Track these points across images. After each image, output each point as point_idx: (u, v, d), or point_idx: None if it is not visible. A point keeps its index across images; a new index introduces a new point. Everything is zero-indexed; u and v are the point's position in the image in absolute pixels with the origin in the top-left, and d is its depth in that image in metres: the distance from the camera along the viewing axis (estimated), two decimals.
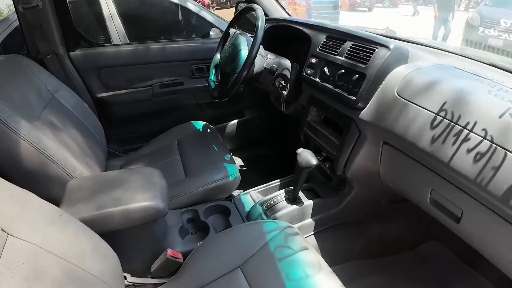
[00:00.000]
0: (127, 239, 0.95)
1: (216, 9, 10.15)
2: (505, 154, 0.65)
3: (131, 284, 0.94)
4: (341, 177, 1.17)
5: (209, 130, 1.59)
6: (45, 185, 0.98)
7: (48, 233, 0.65)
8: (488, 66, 1.01)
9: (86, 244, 0.73)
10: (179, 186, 1.25)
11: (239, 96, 1.89)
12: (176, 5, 2.93)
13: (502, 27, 4.62)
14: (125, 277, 0.96)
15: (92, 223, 0.79)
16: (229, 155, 1.39)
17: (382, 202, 1.28)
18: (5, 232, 0.57)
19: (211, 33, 2.19)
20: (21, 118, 0.93)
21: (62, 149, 1.02)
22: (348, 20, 6.34)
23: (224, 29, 1.51)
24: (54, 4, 1.38)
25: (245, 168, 1.89)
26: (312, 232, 1.20)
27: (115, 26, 2.62)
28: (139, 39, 2.65)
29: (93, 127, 1.34)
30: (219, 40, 1.47)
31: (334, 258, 1.16)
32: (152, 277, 0.99)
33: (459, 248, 1.31)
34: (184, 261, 0.95)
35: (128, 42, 2.45)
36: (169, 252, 0.95)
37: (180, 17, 2.98)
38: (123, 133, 1.76)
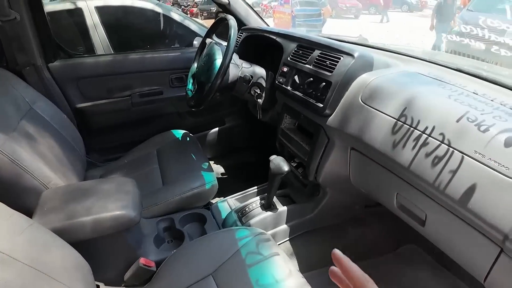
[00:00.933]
0: (100, 248, 0.95)
1: (205, 18, 10.25)
2: (462, 158, 0.67)
3: None
4: (314, 183, 1.19)
5: (188, 139, 1.60)
6: (19, 195, 0.98)
7: (16, 243, 0.65)
8: (455, 71, 1.04)
9: (56, 254, 0.73)
10: (156, 194, 1.25)
11: (219, 104, 1.91)
12: (160, 14, 2.95)
13: (483, 32, 4.71)
14: (98, 286, 0.95)
15: (63, 233, 0.79)
16: (206, 163, 1.40)
17: (357, 207, 1.31)
18: None
19: (194, 42, 2.21)
20: None
21: (37, 160, 1.03)
22: (334, 28, 6.46)
23: None
24: (32, 16, 1.38)
25: (226, 176, 1.90)
26: (287, 238, 1.21)
27: (99, 36, 2.63)
28: (123, 49, 2.65)
29: (71, 138, 1.34)
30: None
31: (310, 264, 1.17)
32: (125, 286, 0.99)
33: (435, 250, 1.34)
34: (157, 269, 0.95)
35: (107, 53, 2.46)
36: (141, 260, 0.95)
37: (164, 27, 3.00)
38: (103, 143, 1.76)
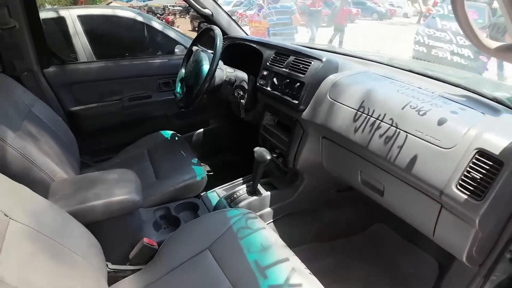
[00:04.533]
0: (107, 231, 1.07)
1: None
2: (406, 136, 0.87)
3: (112, 270, 1.06)
4: (293, 170, 1.36)
5: (177, 138, 1.74)
6: (29, 187, 1.09)
7: (42, 220, 0.78)
8: (406, 72, 1.25)
9: (73, 232, 0.86)
10: (151, 188, 1.38)
11: (204, 107, 2.06)
12: (142, 23, 3.07)
13: (447, 39, 5.08)
14: (106, 265, 1.07)
15: (76, 216, 0.91)
16: (196, 159, 1.54)
17: (331, 191, 1.49)
18: (7, 216, 0.69)
19: (176, 49, 2.36)
20: (6, 127, 1.05)
21: (42, 155, 1.14)
22: (305, 36, 6.78)
23: (187, 46, 1.69)
24: (29, 25, 1.49)
25: (211, 173, 2.05)
26: (271, 220, 1.38)
27: (82, 44, 2.72)
28: (106, 57, 2.75)
29: (66, 139, 1.45)
30: (183, 56, 1.64)
31: (291, 242, 1.34)
32: (130, 265, 1.11)
33: (401, 228, 1.53)
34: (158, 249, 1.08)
35: (98, 60, 2.55)
36: (145, 240, 1.08)
37: (146, 35, 3.12)
38: (95, 145, 1.86)
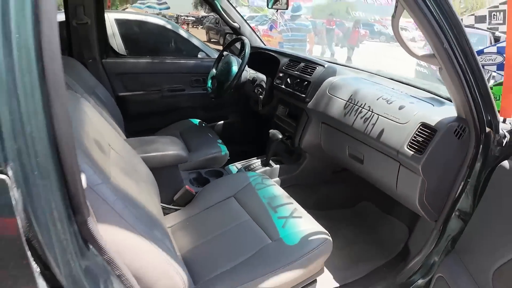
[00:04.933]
0: (160, 178, 1.45)
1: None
2: (378, 117, 1.28)
3: (161, 206, 1.44)
4: (298, 150, 1.76)
5: (203, 125, 2.14)
6: None
7: (122, 146, 1.13)
8: (388, 79, 1.67)
9: (142, 167, 1.23)
10: None
11: (224, 103, 2.47)
12: (171, 30, 3.51)
13: None
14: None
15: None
16: (220, 140, 1.94)
17: (328, 172, 1.88)
18: (110, 146, 1.07)
19: (199, 55, 2.80)
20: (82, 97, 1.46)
21: (110, 120, 1.54)
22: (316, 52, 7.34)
23: (208, 53, 2.10)
24: (96, 22, 1.92)
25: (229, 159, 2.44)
26: None
27: (117, 44, 3.14)
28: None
29: (117, 118, 1.85)
30: (213, 60, 2.06)
31: None
32: (174, 205, 1.50)
33: (383, 204, 1.89)
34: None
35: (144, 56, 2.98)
36: (186, 187, 1.47)
37: (173, 40, 3.55)
38: (136, 126, 2.26)
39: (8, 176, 0.42)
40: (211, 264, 1.06)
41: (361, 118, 1.32)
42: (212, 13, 9.45)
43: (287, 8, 1.77)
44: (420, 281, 1.25)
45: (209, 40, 10.09)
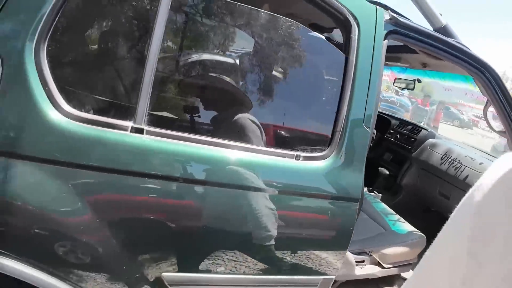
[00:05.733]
0: None
1: None
2: (465, 167, 1.95)
3: None
4: (395, 187, 2.45)
5: None
6: None
7: None
8: (470, 146, 2.32)
9: None
10: None
11: None
12: None
13: None
14: None
15: None
16: None
17: (418, 209, 2.50)
18: None
19: None
20: None
21: None
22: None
23: None
24: None
25: None
26: None
27: None
28: None
29: None
30: None
31: None
32: None
33: None
34: None
35: None
36: None
37: None
38: None
39: None
40: None
41: (453, 167, 1.99)
42: None
43: (413, 89, 2.48)
44: None
45: None
